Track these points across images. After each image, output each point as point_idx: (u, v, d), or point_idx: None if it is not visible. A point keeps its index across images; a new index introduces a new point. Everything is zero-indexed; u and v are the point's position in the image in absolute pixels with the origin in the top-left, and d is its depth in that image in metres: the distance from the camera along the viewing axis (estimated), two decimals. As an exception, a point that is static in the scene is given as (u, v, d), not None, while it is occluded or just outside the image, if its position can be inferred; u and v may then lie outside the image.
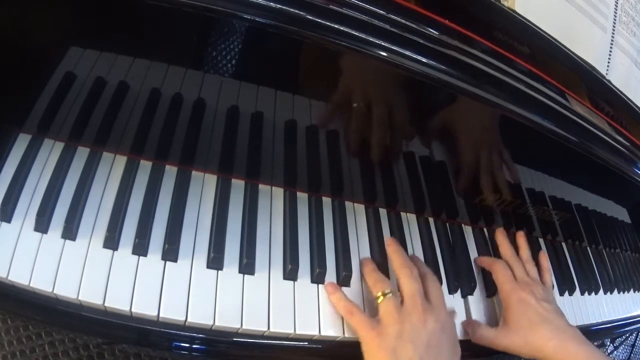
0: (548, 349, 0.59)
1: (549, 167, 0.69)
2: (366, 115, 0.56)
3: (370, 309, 0.58)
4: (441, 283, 0.65)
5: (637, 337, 1.17)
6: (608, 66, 0.64)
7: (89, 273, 0.48)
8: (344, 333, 0.56)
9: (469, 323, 0.64)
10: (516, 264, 0.68)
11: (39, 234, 0.48)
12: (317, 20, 0.44)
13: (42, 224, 0.49)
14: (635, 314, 0.93)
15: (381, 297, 0.55)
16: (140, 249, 0.51)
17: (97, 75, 0.49)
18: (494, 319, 0.68)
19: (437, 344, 0.52)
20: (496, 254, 0.75)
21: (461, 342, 0.59)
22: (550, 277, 0.73)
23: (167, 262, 0.52)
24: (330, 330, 0.55)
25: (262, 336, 0.53)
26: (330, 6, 0.45)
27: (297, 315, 0.54)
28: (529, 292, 0.63)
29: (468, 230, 0.76)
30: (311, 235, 0.61)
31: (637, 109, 0.69)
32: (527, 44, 0.57)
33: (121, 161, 0.57)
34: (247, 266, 0.54)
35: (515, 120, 0.55)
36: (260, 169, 0.61)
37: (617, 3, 0.66)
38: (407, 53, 0.47)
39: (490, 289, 0.70)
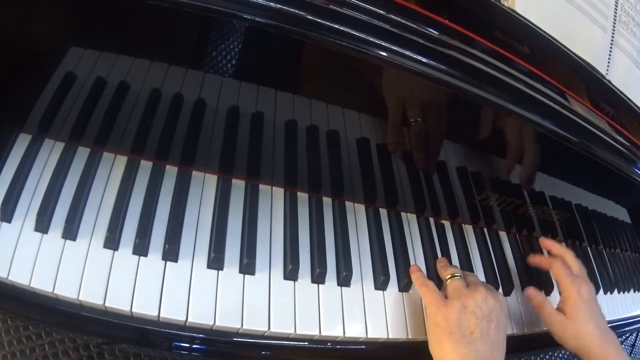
0: (593, 347, 0.61)
1: (549, 167, 0.69)
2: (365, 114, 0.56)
3: (371, 310, 0.59)
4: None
5: (637, 337, 1.17)
6: (608, 66, 0.64)
7: (90, 273, 0.48)
8: (344, 333, 0.56)
9: (536, 292, 0.66)
10: (573, 260, 0.69)
11: (39, 234, 0.48)
12: (317, 20, 0.44)
13: (42, 224, 0.49)
14: (635, 314, 0.93)
15: (450, 278, 0.61)
16: (141, 249, 0.51)
17: (97, 75, 0.49)
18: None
19: (496, 319, 0.57)
20: (496, 253, 0.75)
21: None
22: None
23: (168, 262, 0.52)
24: (331, 330, 0.55)
25: (262, 336, 0.53)
26: (330, 6, 0.45)
27: (297, 315, 0.54)
28: (585, 287, 0.65)
29: (469, 230, 0.76)
30: (311, 235, 0.61)
31: (637, 109, 0.69)
32: (527, 44, 0.57)
33: (121, 161, 0.57)
34: (247, 266, 0.54)
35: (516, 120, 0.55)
36: (260, 169, 0.61)
37: (617, 3, 0.66)
38: (407, 53, 0.47)
39: (493, 288, 0.70)
